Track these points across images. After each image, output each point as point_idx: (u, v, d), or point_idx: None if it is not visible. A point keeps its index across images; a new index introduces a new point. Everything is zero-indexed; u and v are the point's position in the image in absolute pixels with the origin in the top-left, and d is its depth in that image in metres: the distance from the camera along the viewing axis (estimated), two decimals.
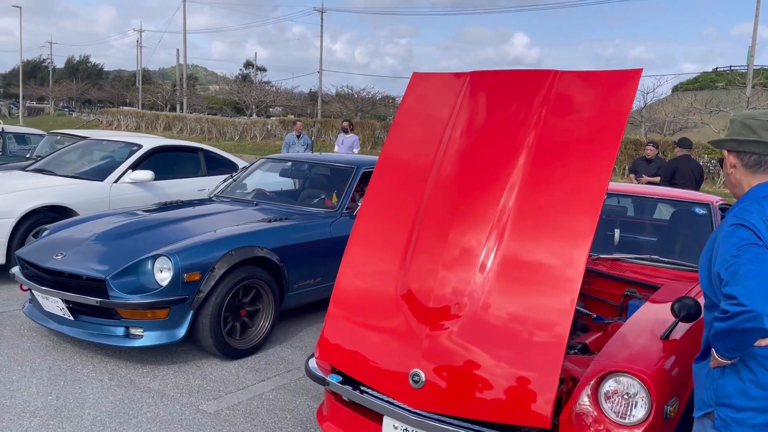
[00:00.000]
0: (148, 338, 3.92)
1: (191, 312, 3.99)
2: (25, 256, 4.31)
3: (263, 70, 73.63)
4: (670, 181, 8.69)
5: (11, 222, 5.60)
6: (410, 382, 2.40)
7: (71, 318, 4.04)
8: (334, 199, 5.31)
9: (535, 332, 2.24)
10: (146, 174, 6.54)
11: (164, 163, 7.02)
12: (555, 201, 2.37)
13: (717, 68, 66.66)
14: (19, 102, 61.74)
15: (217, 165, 7.70)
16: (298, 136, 12.99)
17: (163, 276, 3.92)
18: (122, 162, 6.69)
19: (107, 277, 3.84)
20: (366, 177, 5.53)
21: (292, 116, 41.57)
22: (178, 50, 50.29)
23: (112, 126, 39.87)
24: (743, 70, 58.37)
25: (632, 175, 10.05)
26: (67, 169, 6.81)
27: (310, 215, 5.03)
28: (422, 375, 2.37)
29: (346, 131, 12.91)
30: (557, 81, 2.59)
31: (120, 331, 3.96)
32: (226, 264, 4.09)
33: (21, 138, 10.91)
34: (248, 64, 75.34)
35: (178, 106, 48.64)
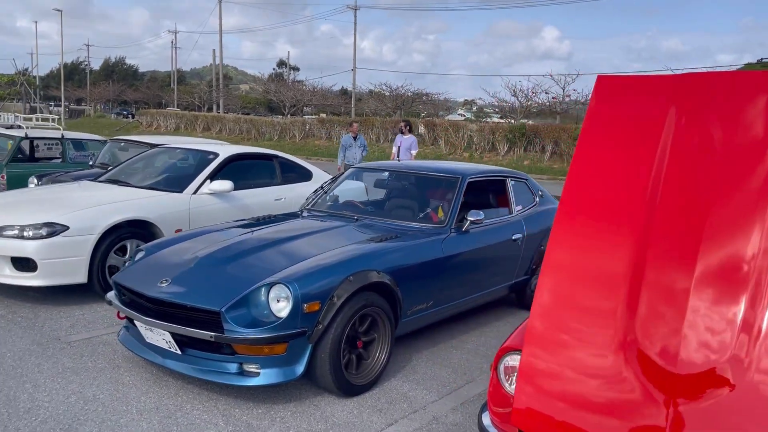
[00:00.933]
0: (265, 376, 3.53)
1: (310, 346, 3.59)
2: (124, 282, 3.97)
3: (296, 69, 73.78)
4: None
5: (93, 238, 5.28)
6: None
7: (179, 352, 3.67)
8: (440, 213, 4.87)
9: None
10: (226, 184, 6.19)
11: (240, 171, 6.66)
12: None
13: (762, 59, 64.72)
14: (58, 104, 62.81)
15: (291, 172, 7.34)
16: (354, 138, 12.60)
17: (280, 306, 3.52)
18: (200, 171, 6.34)
19: (222, 309, 3.46)
20: (472, 187, 5.09)
21: (324, 115, 41.29)
22: (214, 50, 50.51)
23: (152, 127, 40.11)
24: None
25: None
26: (142, 180, 6.50)
27: (419, 232, 4.60)
28: None
29: (402, 132, 12.48)
30: None
31: (233, 367, 3.57)
32: (345, 291, 3.68)
33: (78, 144, 10.72)
34: (281, 63, 75.58)
35: (214, 107, 48.78)
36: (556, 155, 24.39)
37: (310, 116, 41.15)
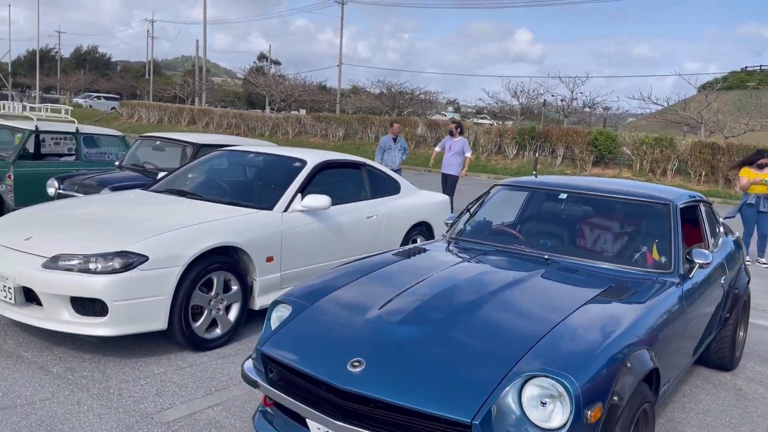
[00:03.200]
0: None
1: None
2: (283, 358, 2.70)
3: (278, 63, 71.80)
4: None
5: (177, 271, 3.99)
6: None
7: None
8: (655, 253, 3.70)
9: None
10: (323, 200, 4.94)
11: (329, 183, 5.42)
12: None
13: (746, 67, 65.19)
14: (23, 91, 59.96)
15: (379, 183, 6.11)
16: (394, 140, 11.43)
17: (548, 412, 2.32)
18: (288, 183, 5.06)
19: (476, 421, 2.24)
20: (685, 216, 3.96)
21: (304, 111, 39.50)
22: (197, 41, 48.45)
23: (132, 119, 38.07)
24: None
25: None
26: (215, 192, 5.20)
27: (645, 280, 3.42)
28: None
29: (452, 134, 11.34)
30: None
31: None
32: (627, 386, 2.50)
33: (91, 139, 9.27)
34: (262, 57, 73.53)
35: (197, 99, 46.79)
36: (568, 160, 23.46)
37: (294, 111, 39.45)
